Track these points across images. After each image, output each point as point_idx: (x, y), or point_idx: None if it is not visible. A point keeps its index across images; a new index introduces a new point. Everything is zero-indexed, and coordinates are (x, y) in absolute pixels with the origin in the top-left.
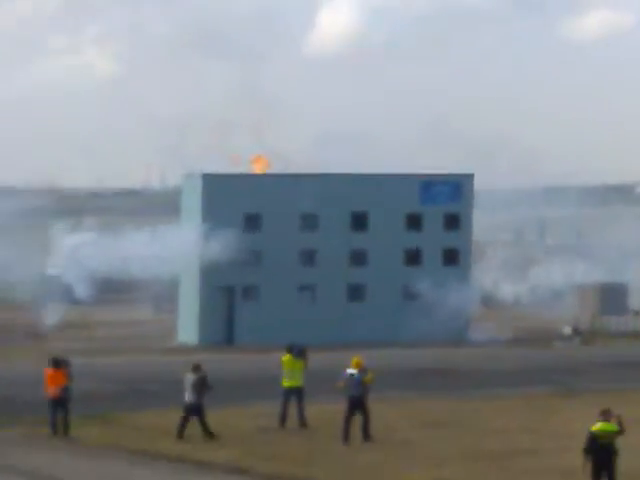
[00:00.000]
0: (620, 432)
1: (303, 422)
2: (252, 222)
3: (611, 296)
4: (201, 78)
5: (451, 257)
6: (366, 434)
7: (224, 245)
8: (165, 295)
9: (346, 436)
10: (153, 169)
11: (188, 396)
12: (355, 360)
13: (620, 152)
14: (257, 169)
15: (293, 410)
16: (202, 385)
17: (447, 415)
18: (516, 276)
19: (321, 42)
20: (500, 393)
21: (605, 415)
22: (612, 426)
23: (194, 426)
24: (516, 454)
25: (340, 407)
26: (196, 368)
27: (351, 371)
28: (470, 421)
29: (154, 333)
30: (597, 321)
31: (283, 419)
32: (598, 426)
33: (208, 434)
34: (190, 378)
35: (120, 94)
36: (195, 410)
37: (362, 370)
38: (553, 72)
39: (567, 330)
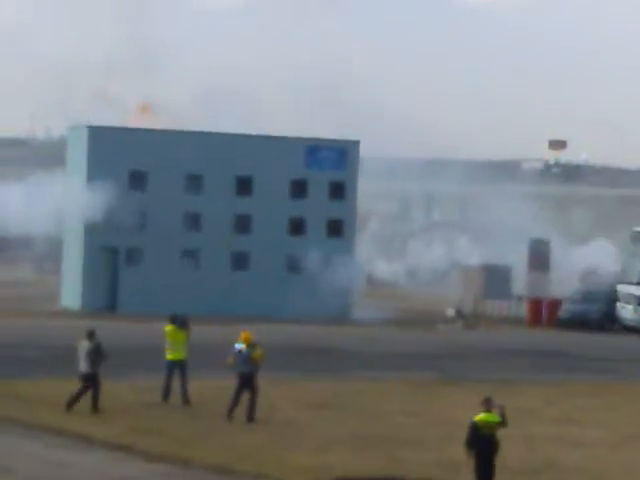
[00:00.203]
0: (502, 424)
1: (186, 398)
2: (137, 180)
3: (495, 279)
4: (86, 20)
5: (335, 228)
6: (250, 415)
7: (109, 203)
8: (48, 254)
9: (230, 412)
10: (37, 119)
11: (83, 365)
12: (244, 335)
13: (507, 128)
14: (143, 117)
15: (176, 384)
16: (97, 353)
17: (331, 397)
18: (398, 252)
19: None
20: (384, 376)
21: (487, 404)
22: (494, 417)
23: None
24: (401, 442)
25: (224, 383)
26: (90, 335)
27: (239, 346)
28: (354, 404)
29: (36, 295)
30: (480, 305)
31: (166, 394)
32: (481, 416)
33: (95, 407)
34: (85, 346)
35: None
36: (90, 380)
37: (251, 345)
38: (444, 38)
39: (450, 312)
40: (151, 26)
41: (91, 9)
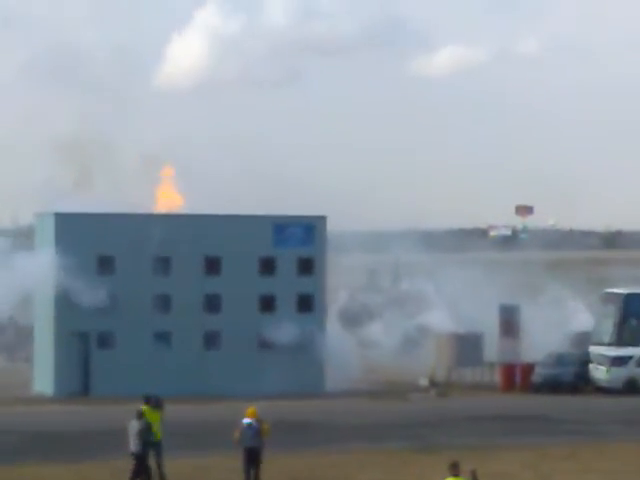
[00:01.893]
0: None
1: (163, 478)
2: (105, 264)
3: (466, 346)
4: (48, 107)
5: (305, 303)
6: None
7: (78, 288)
8: (19, 342)
9: None
10: (4, 207)
11: (134, 444)
12: (251, 410)
13: (474, 196)
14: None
15: (153, 464)
16: (148, 432)
17: (308, 470)
18: (369, 324)
19: (172, 75)
20: (359, 448)
21: (454, 469)
22: None
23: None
24: None
25: (200, 462)
26: (140, 415)
27: (248, 421)
28: (331, 476)
29: (9, 383)
30: (453, 372)
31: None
32: None
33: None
34: (135, 425)
35: None
36: (141, 459)
37: (258, 420)
38: (401, 109)
39: (423, 381)
40: (110, 107)
41: (53, 91)
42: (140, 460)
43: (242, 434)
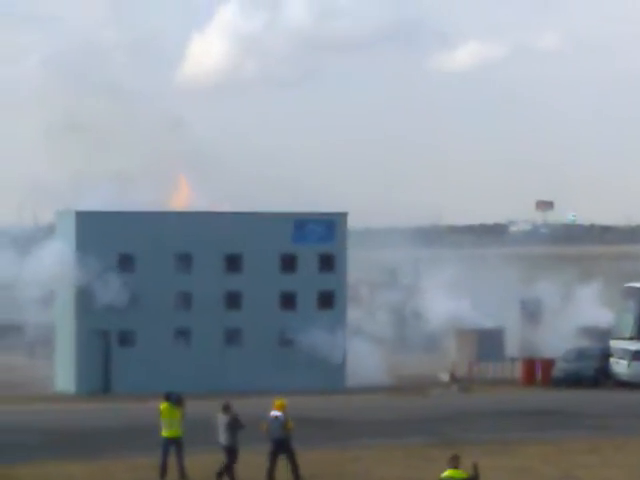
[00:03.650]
0: (472, 479)
1: (183, 473)
2: (126, 261)
3: (488, 342)
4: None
5: (326, 300)
6: (297, 476)
7: (99, 286)
8: (39, 339)
9: (270, 478)
10: (24, 207)
11: (223, 438)
12: (279, 402)
13: (494, 192)
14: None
15: (173, 461)
16: (235, 425)
17: (328, 466)
18: (391, 320)
19: (193, 74)
20: (379, 443)
21: (454, 461)
22: (461, 473)
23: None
24: None
25: (221, 457)
26: (226, 408)
27: (275, 413)
28: (351, 472)
29: (30, 380)
30: (474, 367)
31: (163, 471)
32: (447, 473)
33: (232, 478)
34: (222, 419)
35: None
36: (232, 451)
37: (286, 413)
38: (423, 104)
39: (444, 377)
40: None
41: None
42: (232, 452)
43: (269, 426)
